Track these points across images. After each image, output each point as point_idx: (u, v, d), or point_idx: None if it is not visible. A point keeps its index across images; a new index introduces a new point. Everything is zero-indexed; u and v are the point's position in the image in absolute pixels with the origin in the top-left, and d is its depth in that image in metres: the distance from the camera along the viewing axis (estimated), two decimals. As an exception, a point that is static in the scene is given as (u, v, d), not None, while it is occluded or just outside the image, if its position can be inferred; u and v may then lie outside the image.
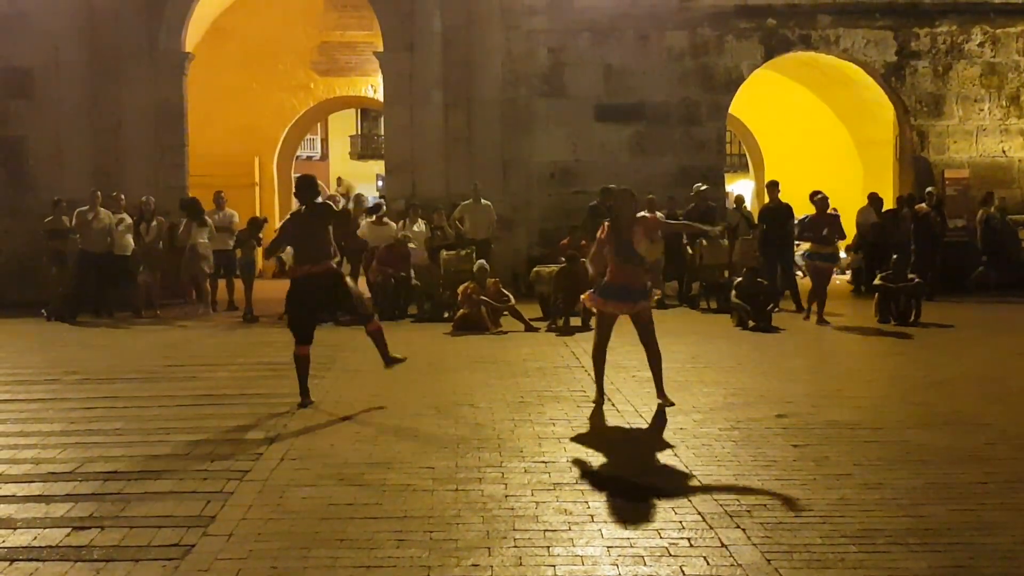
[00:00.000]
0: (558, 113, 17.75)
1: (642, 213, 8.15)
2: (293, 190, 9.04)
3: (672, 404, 7.65)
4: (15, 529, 5.00)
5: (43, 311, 14.73)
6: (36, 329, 13.88)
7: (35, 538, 4.87)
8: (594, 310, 8.16)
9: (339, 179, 17.01)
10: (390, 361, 8.44)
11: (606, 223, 7.85)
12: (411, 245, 14.98)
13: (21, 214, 15.92)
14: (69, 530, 4.97)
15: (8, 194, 16.67)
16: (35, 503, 5.45)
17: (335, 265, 8.33)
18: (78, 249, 15.05)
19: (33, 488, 5.74)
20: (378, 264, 14.65)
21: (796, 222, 14.80)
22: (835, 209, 14.25)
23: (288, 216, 8.87)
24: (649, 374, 9.14)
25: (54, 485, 5.77)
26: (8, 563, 4.55)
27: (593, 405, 7.86)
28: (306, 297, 8.09)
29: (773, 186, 15.76)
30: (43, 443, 6.81)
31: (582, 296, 8.55)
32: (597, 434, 6.92)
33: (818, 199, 13.50)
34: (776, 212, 15.60)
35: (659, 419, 7.35)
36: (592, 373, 8.15)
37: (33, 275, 15.30)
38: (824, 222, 13.35)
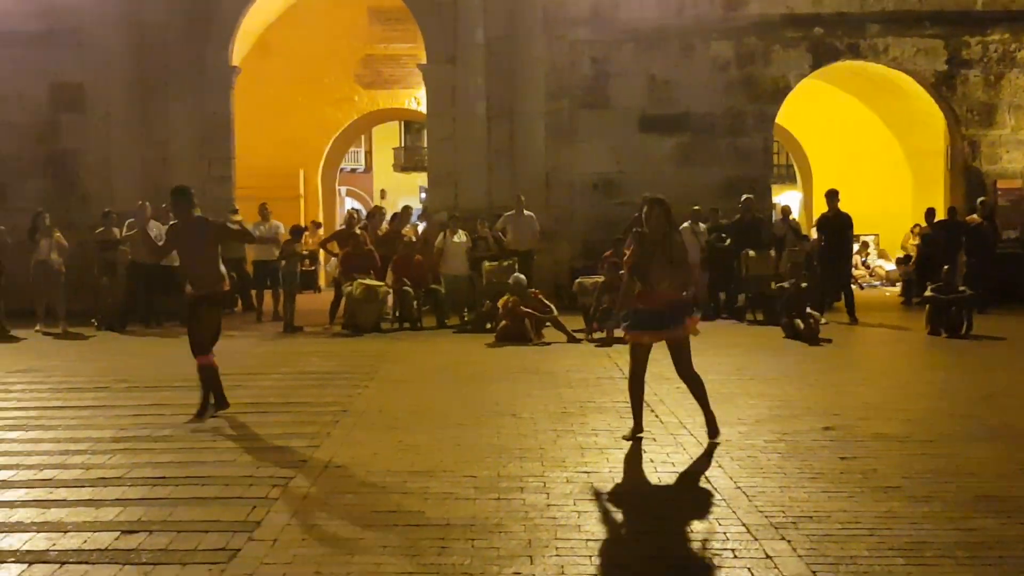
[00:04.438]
0: (601, 124, 17.70)
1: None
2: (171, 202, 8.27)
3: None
4: (66, 532, 5.08)
5: (93, 320, 15.01)
6: (87, 338, 14.10)
7: (85, 541, 4.94)
8: (626, 338, 7.27)
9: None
10: (205, 409, 7.88)
11: (633, 241, 7.07)
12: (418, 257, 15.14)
13: (73, 225, 16.18)
14: (118, 534, 5.04)
15: (60, 206, 16.95)
16: (85, 507, 5.53)
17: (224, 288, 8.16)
18: (128, 260, 15.29)
19: (83, 493, 5.83)
20: (393, 273, 14.79)
21: None
22: None
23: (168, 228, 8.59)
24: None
25: (104, 490, 5.86)
26: (59, 565, 4.62)
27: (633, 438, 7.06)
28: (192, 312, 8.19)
29: (832, 195, 15.44)
30: (93, 449, 6.92)
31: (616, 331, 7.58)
32: (640, 444, 6.88)
33: None
34: (835, 222, 15.36)
35: (706, 430, 7.28)
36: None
37: (84, 285, 15.54)
38: None
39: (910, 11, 17.71)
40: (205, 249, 7.98)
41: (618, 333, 7.49)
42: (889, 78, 19.01)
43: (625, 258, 7.18)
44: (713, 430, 7.00)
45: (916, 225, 22.30)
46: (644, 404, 7.24)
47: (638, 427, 7.11)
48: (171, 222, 8.52)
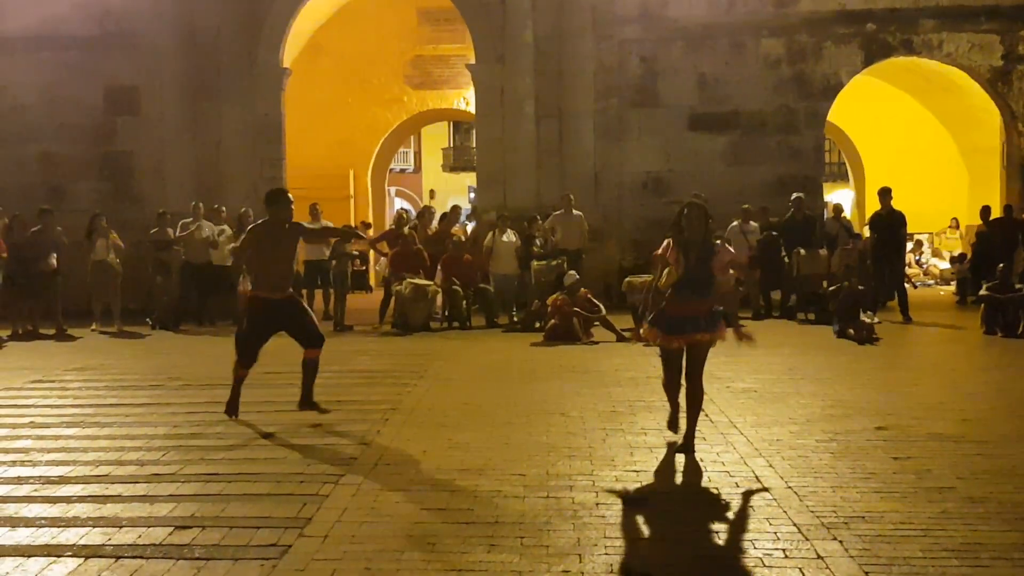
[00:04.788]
0: (651, 123, 17.60)
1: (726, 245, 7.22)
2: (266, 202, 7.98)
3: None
4: (121, 527, 5.17)
5: (148, 319, 15.26)
6: (142, 337, 14.34)
7: (139, 536, 5.03)
8: (653, 342, 6.94)
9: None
10: (305, 403, 7.93)
11: (670, 242, 6.71)
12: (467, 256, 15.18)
13: (128, 226, 16.44)
14: (172, 529, 5.12)
15: (115, 207, 17.24)
16: (140, 503, 5.63)
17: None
18: (182, 260, 15.52)
19: (138, 488, 5.93)
20: (442, 272, 14.86)
21: None
22: None
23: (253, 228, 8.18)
24: (745, 384, 9.06)
25: (158, 486, 5.96)
26: (114, 560, 4.71)
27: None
28: (259, 321, 8.13)
29: (885, 192, 15.26)
30: (148, 446, 7.04)
31: (641, 329, 7.14)
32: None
33: None
34: (888, 220, 15.14)
35: (754, 431, 7.23)
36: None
37: (139, 285, 15.80)
38: None
39: (965, 6, 17.38)
40: (292, 253, 8.09)
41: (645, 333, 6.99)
42: (943, 74, 18.70)
43: (659, 252, 6.79)
44: (687, 446, 6.60)
45: (953, 219, 21.99)
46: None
47: (674, 411, 6.89)
48: (260, 220, 8.30)
